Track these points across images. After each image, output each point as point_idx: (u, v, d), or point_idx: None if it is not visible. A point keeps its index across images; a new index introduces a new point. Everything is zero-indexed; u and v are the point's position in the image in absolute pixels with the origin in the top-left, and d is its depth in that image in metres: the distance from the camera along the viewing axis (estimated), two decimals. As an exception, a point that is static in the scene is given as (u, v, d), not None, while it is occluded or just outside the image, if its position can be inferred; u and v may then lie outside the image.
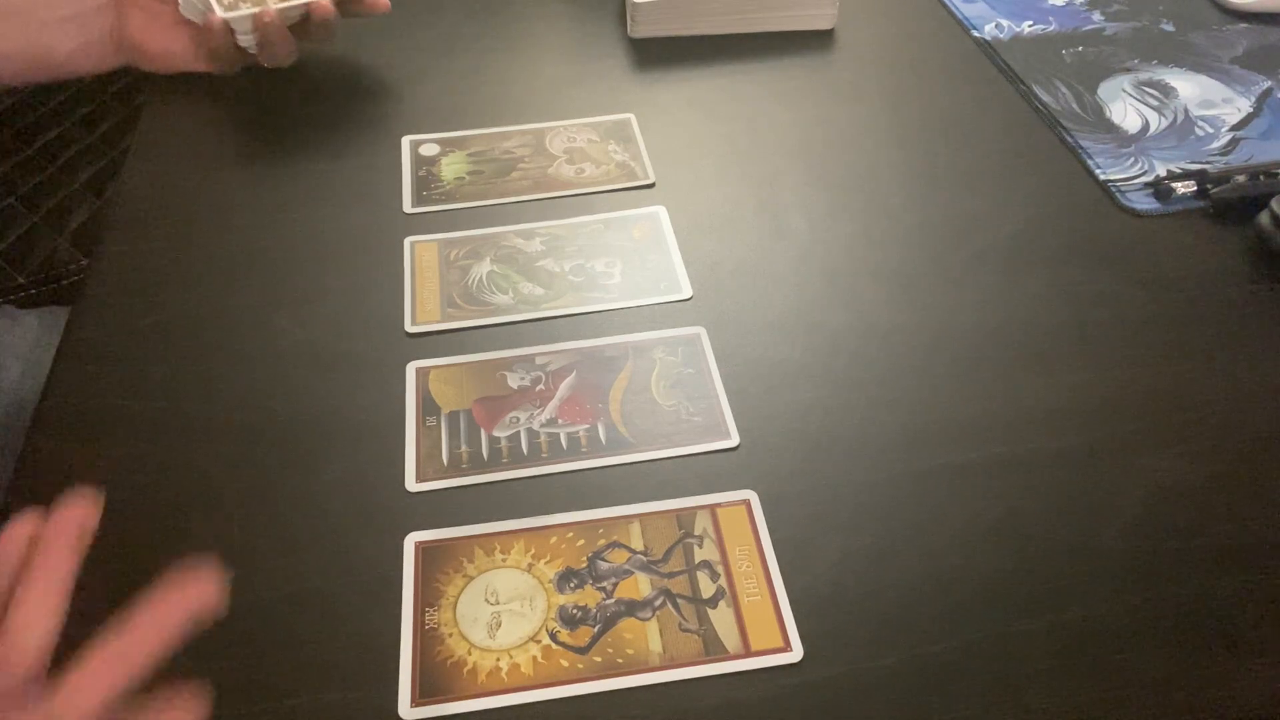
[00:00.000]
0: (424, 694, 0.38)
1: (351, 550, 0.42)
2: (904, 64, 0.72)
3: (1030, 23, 0.76)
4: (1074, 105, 0.67)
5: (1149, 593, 0.41)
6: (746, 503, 0.44)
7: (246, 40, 0.63)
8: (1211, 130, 0.65)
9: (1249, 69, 0.70)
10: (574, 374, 0.50)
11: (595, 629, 0.40)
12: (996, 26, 0.75)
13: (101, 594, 0.41)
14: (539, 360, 0.50)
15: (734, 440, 0.47)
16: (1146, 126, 0.65)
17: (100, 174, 0.99)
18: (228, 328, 0.52)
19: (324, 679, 0.38)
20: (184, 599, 0.36)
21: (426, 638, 0.40)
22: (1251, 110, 0.67)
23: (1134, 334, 0.52)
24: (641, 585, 0.41)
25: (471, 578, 0.42)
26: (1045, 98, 0.68)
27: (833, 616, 0.40)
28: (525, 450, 0.46)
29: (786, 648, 0.39)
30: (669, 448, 0.46)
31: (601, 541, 0.43)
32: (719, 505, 0.44)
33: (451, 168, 0.62)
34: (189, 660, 0.39)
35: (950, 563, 0.42)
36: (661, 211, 0.59)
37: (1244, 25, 0.75)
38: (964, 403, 0.48)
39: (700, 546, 0.43)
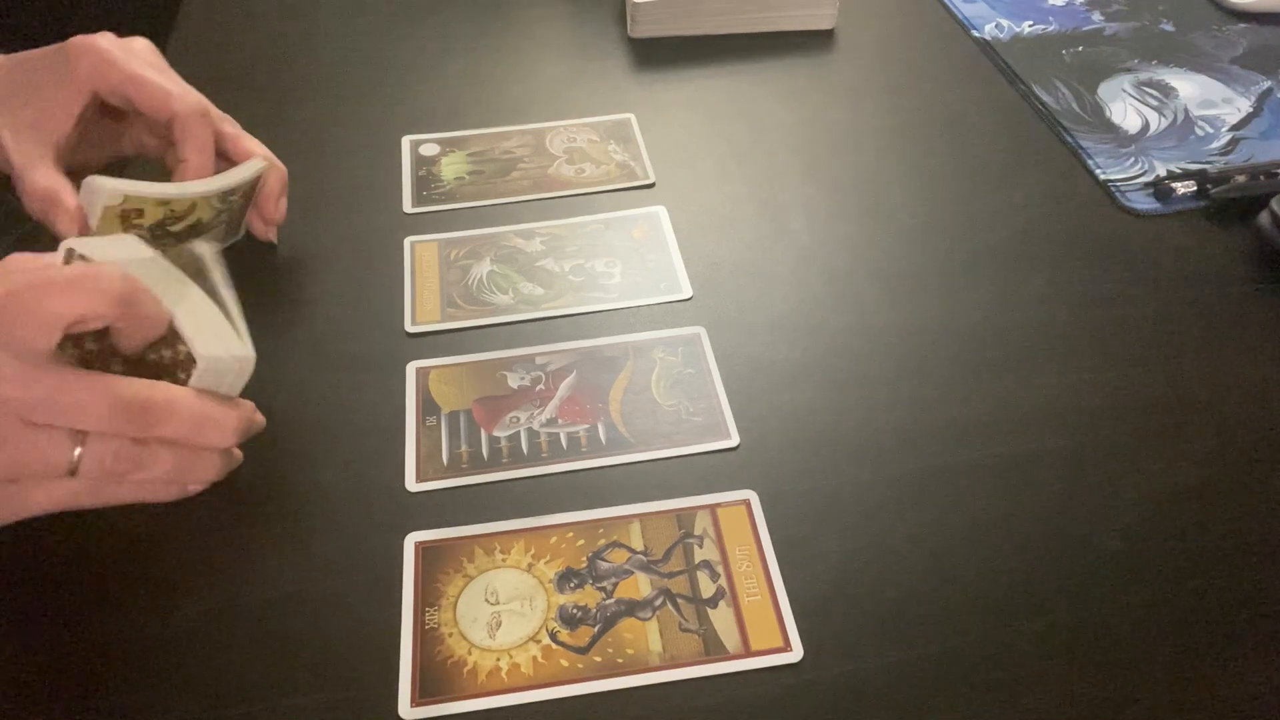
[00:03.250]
0: (424, 694, 0.38)
1: (351, 550, 0.42)
2: (904, 64, 0.72)
3: (1030, 23, 0.76)
4: (1074, 105, 0.67)
5: (1149, 593, 0.41)
6: (746, 503, 0.44)
7: None
8: (1211, 130, 0.65)
9: (1249, 69, 0.70)
10: (574, 374, 0.50)
11: (595, 629, 0.40)
12: (996, 26, 0.75)
13: (101, 594, 0.41)
14: (539, 360, 0.50)
15: (734, 440, 0.47)
16: (1146, 126, 0.65)
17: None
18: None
19: (324, 679, 0.38)
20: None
21: (426, 638, 0.40)
22: (1251, 110, 0.67)
23: (1134, 334, 0.52)
24: (641, 585, 0.41)
25: (471, 578, 0.42)
26: (1045, 98, 0.68)
27: (833, 616, 0.40)
28: (525, 450, 0.46)
29: (786, 648, 0.39)
30: (669, 448, 0.46)
31: (601, 541, 0.43)
32: (719, 505, 0.44)
33: (451, 168, 0.62)
34: (190, 659, 0.39)
35: (950, 563, 0.42)
36: (661, 211, 0.59)
37: (1244, 25, 0.75)
38: (964, 403, 0.48)
39: (700, 546, 0.43)
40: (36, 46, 0.51)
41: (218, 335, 0.42)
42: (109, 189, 0.46)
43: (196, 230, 0.50)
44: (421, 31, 0.75)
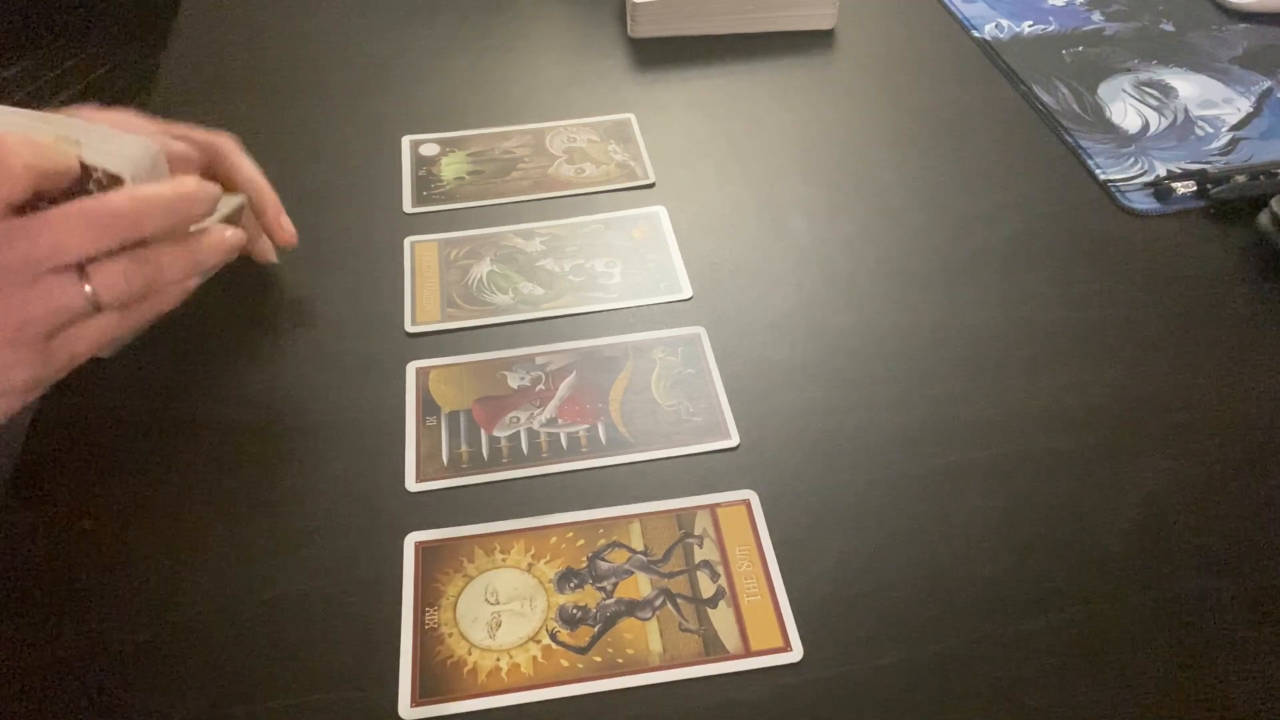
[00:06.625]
0: (424, 694, 0.38)
1: (351, 550, 0.42)
2: (904, 64, 0.72)
3: (1030, 23, 0.76)
4: (1074, 105, 0.67)
5: (1149, 593, 0.41)
6: (746, 503, 0.44)
7: None
8: (1211, 130, 0.65)
9: (1249, 69, 0.70)
10: (574, 374, 0.50)
11: (595, 629, 0.40)
12: (996, 26, 0.75)
13: (101, 594, 0.41)
14: (539, 360, 0.50)
15: (734, 440, 0.47)
16: (1146, 126, 0.65)
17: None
18: (228, 328, 0.52)
19: (324, 679, 0.38)
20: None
21: (426, 638, 0.40)
22: (1251, 110, 0.67)
23: (1133, 334, 0.52)
24: (641, 585, 0.41)
25: (471, 578, 0.42)
26: (1045, 98, 0.68)
27: (833, 616, 0.40)
28: (525, 450, 0.46)
29: (786, 648, 0.39)
30: (669, 448, 0.46)
31: (601, 541, 0.43)
32: (719, 505, 0.44)
33: (451, 168, 0.62)
34: (190, 659, 0.39)
35: (950, 563, 0.42)
36: (661, 211, 0.59)
37: (1244, 25, 0.75)
38: (964, 403, 0.48)
39: (700, 546, 0.43)
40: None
41: (110, 143, 0.40)
42: None
43: None
44: (422, 31, 0.75)
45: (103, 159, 0.40)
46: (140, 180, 0.40)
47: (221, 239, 0.43)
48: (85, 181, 0.40)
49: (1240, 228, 0.57)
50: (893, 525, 0.43)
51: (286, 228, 0.53)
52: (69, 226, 0.37)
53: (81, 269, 0.37)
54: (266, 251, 0.54)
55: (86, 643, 0.40)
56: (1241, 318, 0.53)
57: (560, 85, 0.70)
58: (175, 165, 0.45)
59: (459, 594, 0.41)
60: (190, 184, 0.41)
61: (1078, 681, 0.38)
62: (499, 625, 0.40)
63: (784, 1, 0.73)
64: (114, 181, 0.40)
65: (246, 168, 0.51)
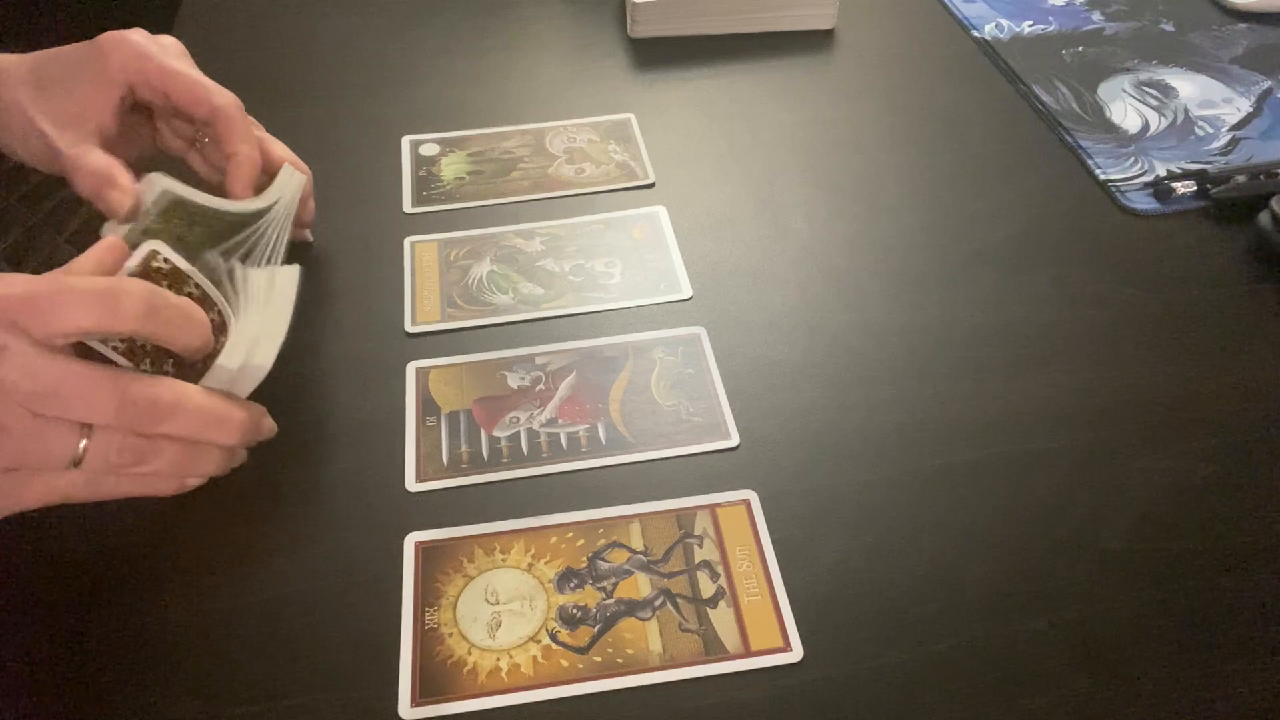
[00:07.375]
0: (424, 694, 0.38)
1: (351, 550, 0.42)
2: (904, 64, 0.72)
3: (1030, 23, 0.76)
4: (1074, 105, 0.67)
5: (1149, 593, 0.41)
6: (746, 503, 0.44)
7: None
8: (1211, 130, 0.65)
9: (1249, 69, 0.70)
10: (574, 374, 0.50)
11: (595, 629, 0.40)
12: (996, 26, 0.75)
13: (101, 594, 0.41)
14: (539, 360, 0.50)
15: (734, 440, 0.47)
16: (1146, 126, 0.65)
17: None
18: (228, 328, 0.52)
19: (324, 679, 0.38)
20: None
21: (426, 638, 0.40)
22: (1251, 110, 0.67)
23: (1134, 334, 0.52)
24: (641, 585, 0.41)
25: (471, 578, 0.42)
26: (1045, 98, 0.68)
27: (833, 616, 0.40)
28: (525, 450, 0.46)
29: (786, 648, 0.39)
30: (669, 448, 0.46)
31: (601, 541, 0.43)
32: (719, 505, 0.44)
33: (451, 168, 0.62)
34: (190, 659, 0.39)
35: (950, 562, 0.42)
36: (661, 211, 0.59)
37: (1244, 25, 0.75)
38: (964, 403, 0.48)
39: (700, 546, 0.43)
40: (36, 48, 0.51)
41: (245, 344, 0.42)
42: (172, 192, 0.46)
43: (236, 240, 0.50)
44: (421, 31, 0.75)
45: (236, 334, 0.43)
46: (228, 372, 0.42)
47: (214, 458, 0.42)
48: (214, 339, 0.42)
49: (1240, 228, 0.57)
50: (893, 525, 0.43)
51: (310, 209, 0.56)
52: (106, 394, 0.37)
53: (86, 426, 0.37)
54: (302, 232, 0.56)
55: (86, 643, 0.40)
56: (1241, 317, 0.53)
57: (560, 85, 0.70)
58: (238, 172, 0.49)
59: (459, 594, 0.41)
60: (236, 416, 0.42)
61: (1078, 681, 0.38)
62: (499, 625, 0.40)
63: (784, 1, 0.73)
64: (214, 351, 0.42)
65: (278, 146, 0.53)
